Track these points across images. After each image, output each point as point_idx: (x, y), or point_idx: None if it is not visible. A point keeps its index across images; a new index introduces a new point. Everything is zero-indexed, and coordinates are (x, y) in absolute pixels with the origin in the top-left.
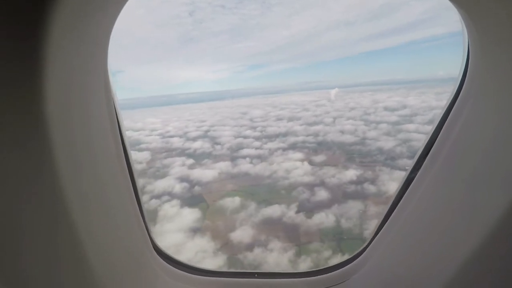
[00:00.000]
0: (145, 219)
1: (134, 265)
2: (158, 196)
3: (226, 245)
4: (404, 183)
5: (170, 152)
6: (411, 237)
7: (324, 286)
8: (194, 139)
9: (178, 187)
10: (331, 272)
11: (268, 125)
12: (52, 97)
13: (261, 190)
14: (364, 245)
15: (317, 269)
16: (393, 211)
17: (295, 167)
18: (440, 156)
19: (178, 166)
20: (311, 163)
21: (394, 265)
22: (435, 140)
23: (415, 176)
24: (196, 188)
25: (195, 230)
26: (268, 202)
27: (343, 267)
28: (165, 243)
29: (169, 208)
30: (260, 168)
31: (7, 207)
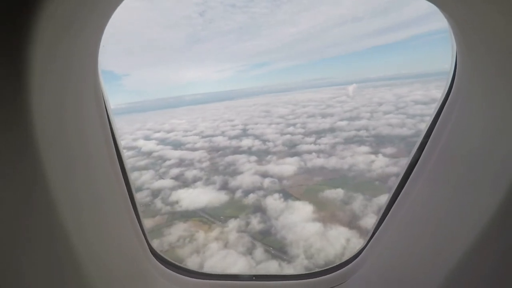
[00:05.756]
0: (141, 222)
1: (130, 268)
2: (252, 191)
3: (366, 233)
4: (399, 183)
5: (224, 150)
6: (407, 236)
7: None
8: (237, 137)
9: (266, 182)
10: (329, 273)
11: (303, 121)
12: (41, 104)
13: (348, 182)
14: (362, 246)
15: (315, 271)
16: (388, 212)
17: (371, 160)
18: (432, 156)
19: (247, 163)
20: (384, 155)
21: (392, 265)
22: (427, 140)
23: (409, 176)
24: (284, 182)
25: (322, 220)
26: (363, 192)
27: (341, 268)
28: (307, 233)
29: (274, 202)
30: (333, 162)
31: None
